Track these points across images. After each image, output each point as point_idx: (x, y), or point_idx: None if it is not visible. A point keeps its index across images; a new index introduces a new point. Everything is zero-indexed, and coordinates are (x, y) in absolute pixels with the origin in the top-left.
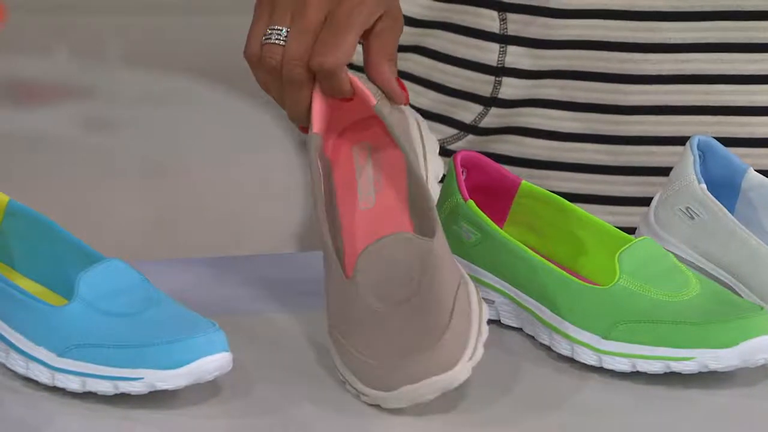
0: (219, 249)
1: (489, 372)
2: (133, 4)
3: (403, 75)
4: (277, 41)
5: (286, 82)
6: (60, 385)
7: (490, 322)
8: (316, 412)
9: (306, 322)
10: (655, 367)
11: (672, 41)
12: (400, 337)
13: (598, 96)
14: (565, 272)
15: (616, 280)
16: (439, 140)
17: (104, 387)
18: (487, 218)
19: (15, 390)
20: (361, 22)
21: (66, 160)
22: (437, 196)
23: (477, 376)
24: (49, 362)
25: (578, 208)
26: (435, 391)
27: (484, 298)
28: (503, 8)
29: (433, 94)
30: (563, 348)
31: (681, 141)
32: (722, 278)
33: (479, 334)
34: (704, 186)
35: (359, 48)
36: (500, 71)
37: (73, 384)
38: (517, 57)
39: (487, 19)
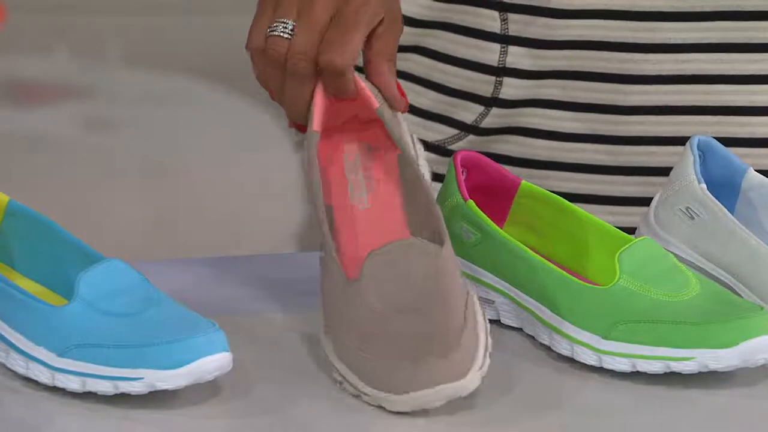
0: (219, 249)
1: (489, 372)
2: (133, 4)
3: (403, 75)
4: (283, 33)
5: (290, 75)
6: (60, 385)
7: (490, 321)
8: (316, 412)
9: (306, 322)
10: (655, 367)
11: (672, 41)
12: (410, 342)
13: (598, 96)
14: (565, 272)
15: (616, 280)
16: (439, 140)
17: (104, 387)
18: (487, 218)
19: (15, 390)
20: (368, 21)
21: (66, 160)
22: None
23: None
24: (49, 362)
25: (578, 208)
26: (445, 398)
27: (484, 298)
28: (504, 8)
29: (433, 94)
30: (563, 348)
31: (681, 141)
32: (722, 278)
33: (486, 344)
34: (704, 186)
35: None
36: (501, 71)
37: (73, 384)
38: (518, 57)
39: (488, 20)
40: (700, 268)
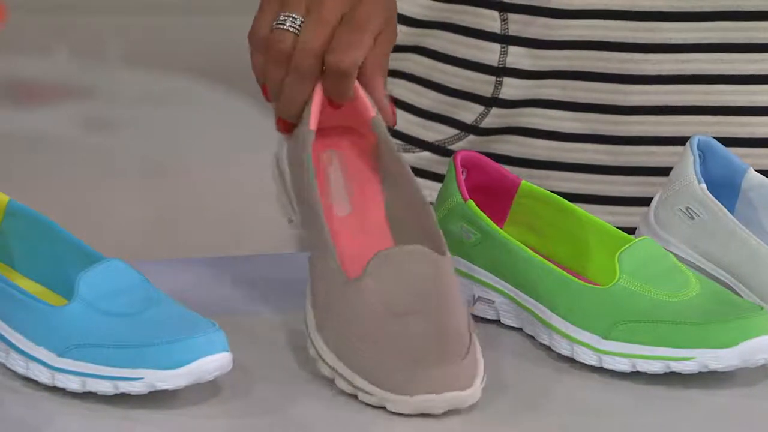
0: (219, 249)
1: (489, 372)
2: (133, 4)
3: (403, 75)
4: (290, 28)
5: (294, 70)
6: (60, 385)
7: (490, 322)
8: (316, 412)
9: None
10: (655, 367)
11: (672, 41)
12: (417, 346)
13: (598, 96)
14: (565, 272)
15: (616, 280)
16: (439, 140)
17: (104, 387)
18: (487, 218)
19: (15, 390)
20: (378, 24)
21: (66, 160)
22: None
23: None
24: (49, 362)
25: (578, 208)
26: (450, 405)
27: (484, 298)
28: (504, 8)
29: (433, 94)
30: (563, 348)
31: (681, 141)
32: (722, 278)
33: (482, 358)
34: (704, 186)
35: None
36: (501, 71)
37: (73, 384)
38: (518, 57)
39: (488, 20)
40: (700, 268)
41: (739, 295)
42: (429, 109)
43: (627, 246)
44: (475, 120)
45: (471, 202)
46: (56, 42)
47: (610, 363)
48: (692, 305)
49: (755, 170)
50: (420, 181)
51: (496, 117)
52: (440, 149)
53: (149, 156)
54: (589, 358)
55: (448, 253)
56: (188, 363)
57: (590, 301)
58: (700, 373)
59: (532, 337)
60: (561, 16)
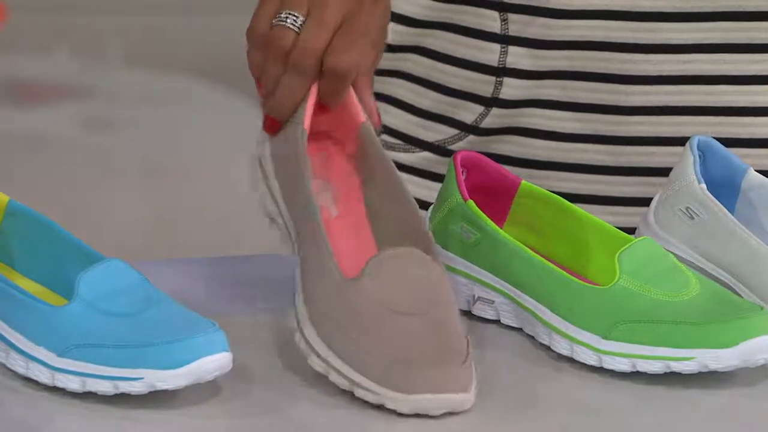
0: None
1: (489, 372)
2: (133, 4)
3: (403, 75)
4: (291, 26)
5: (292, 68)
6: (60, 385)
7: (490, 321)
8: (316, 412)
9: None
10: (655, 367)
11: (673, 42)
12: (418, 346)
13: (598, 96)
14: (565, 272)
15: (616, 280)
16: (439, 140)
17: (104, 387)
18: (487, 218)
19: (15, 390)
20: (378, 29)
21: (66, 160)
22: None
23: (477, 376)
24: (49, 362)
25: (578, 208)
26: (447, 407)
27: (484, 298)
28: (504, 8)
29: (433, 95)
30: (563, 348)
31: (682, 141)
32: (722, 278)
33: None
34: (704, 186)
35: None
36: (501, 71)
37: (73, 384)
38: (518, 57)
39: (488, 20)
40: (700, 268)
41: (739, 295)
42: (429, 109)
43: (627, 246)
44: (475, 120)
45: (471, 202)
46: (56, 42)
47: (610, 363)
48: (692, 305)
49: (757, 171)
50: (420, 181)
51: (496, 117)
52: (440, 149)
53: (149, 156)
54: (589, 358)
55: (439, 258)
56: (188, 363)
57: (590, 301)
58: (700, 373)
59: (532, 337)
60: (561, 16)
